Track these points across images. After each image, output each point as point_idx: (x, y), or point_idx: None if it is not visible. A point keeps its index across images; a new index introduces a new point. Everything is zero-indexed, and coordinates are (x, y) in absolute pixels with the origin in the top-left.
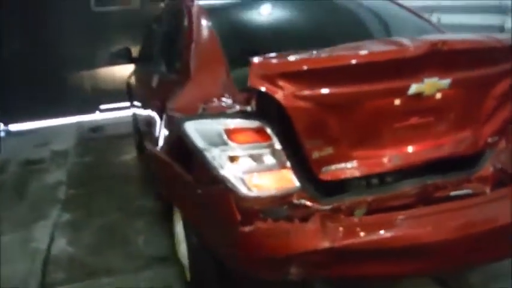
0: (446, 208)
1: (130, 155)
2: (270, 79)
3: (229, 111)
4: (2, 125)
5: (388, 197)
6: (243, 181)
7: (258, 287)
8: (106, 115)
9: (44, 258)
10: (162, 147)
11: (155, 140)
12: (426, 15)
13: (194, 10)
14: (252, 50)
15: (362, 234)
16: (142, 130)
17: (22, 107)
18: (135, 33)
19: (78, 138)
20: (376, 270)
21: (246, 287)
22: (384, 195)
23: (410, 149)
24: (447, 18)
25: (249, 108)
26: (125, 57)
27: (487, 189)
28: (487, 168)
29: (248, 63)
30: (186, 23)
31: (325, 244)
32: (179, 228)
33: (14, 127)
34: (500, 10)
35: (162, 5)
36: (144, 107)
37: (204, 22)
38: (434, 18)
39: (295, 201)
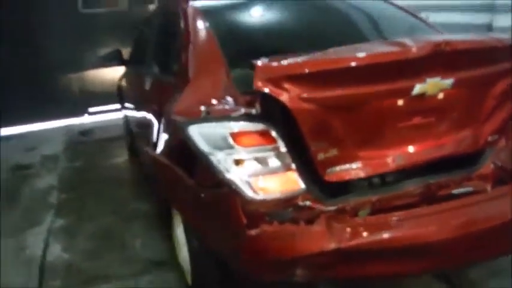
0: (449, 207)
1: (121, 157)
2: (275, 81)
3: (233, 114)
4: None
5: (392, 197)
6: (248, 184)
7: None
8: (95, 118)
9: (40, 266)
10: (162, 150)
11: (153, 144)
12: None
13: (190, 12)
14: (248, 51)
15: (368, 234)
16: (134, 132)
17: (9, 111)
18: (123, 35)
19: (68, 142)
20: (381, 270)
21: None
22: (388, 195)
23: (413, 148)
24: (435, 17)
25: (253, 111)
26: (116, 59)
27: (488, 187)
28: (487, 166)
29: (248, 65)
30: (182, 24)
31: (332, 245)
32: (179, 232)
33: (1, 132)
34: (488, 8)
35: (151, 7)
36: (138, 109)
37: (201, 23)
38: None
39: (301, 203)
